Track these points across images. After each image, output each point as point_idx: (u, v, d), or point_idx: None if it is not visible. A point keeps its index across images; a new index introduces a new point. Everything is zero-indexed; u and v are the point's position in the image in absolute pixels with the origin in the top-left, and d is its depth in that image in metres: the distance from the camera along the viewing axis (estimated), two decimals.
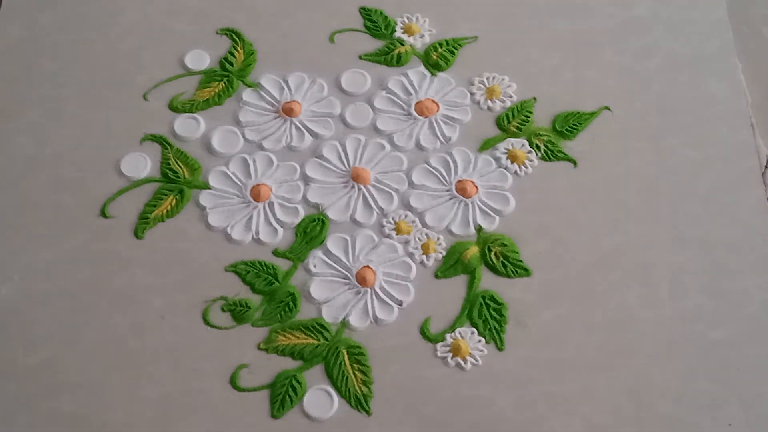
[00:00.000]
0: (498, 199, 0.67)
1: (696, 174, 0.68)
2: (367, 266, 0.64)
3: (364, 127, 0.71)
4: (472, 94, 0.72)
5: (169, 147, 0.69)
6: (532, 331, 0.61)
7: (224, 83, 0.73)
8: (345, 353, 0.61)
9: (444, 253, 0.65)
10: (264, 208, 0.67)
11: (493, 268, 0.64)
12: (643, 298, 0.62)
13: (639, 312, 0.62)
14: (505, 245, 0.65)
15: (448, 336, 0.61)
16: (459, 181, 0.68)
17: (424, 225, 0.66)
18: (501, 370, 0.60)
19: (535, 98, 0.72)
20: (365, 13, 0.77)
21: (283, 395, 0.59)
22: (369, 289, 0.63)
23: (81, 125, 0.70)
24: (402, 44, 0.75)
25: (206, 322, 0.62)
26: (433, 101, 0.72)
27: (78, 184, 0.67)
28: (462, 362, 0.60)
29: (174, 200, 0.67)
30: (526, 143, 0.69)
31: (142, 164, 0.69)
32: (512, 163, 0.69)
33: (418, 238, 0.65)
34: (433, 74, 0.73)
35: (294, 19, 0.76)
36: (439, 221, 0.66)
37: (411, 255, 0.65)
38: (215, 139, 0.70)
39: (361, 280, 0.63)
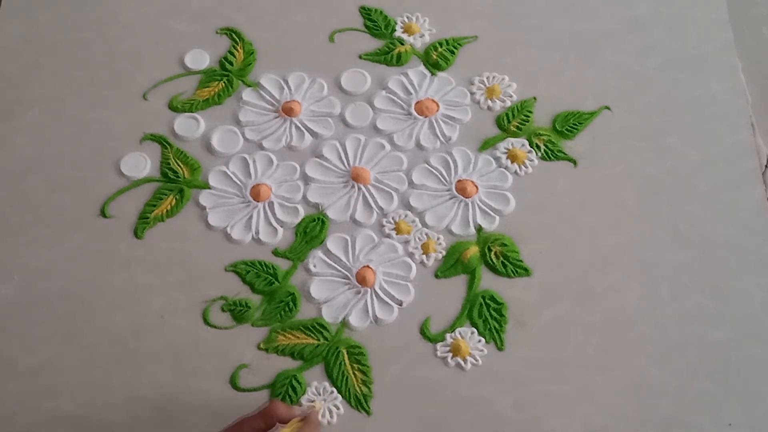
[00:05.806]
0: (498, 198, 0.67)
1: (696, 174, 0.68)
2: (367, 266, 0.64)
3: (364, 127, 0.71)
4: (472, 93, 0.72)
5: (169, 147, 0.69)
6: (532, 331, 0.61)
7: (224, 83, 0.73)
8: (345, 353, 0.61)
9: (444, 252, 0.65)
10: (264, 207, 0.67)
11: (493, 268, 0.64)
12: (643, 298, 0.62)
13: (639, 312, 0.62)
14: (505, 245, 0.65)
15: (448, 336, 0.61)
16: (459, 181, 0.68)
17: (424, 225, 0.66)
18: (501, 370, 0.60)
19: (535, 98, 0.72)
20: (365, 12, 0.77)
21: (283, 395, 0.59)
22: (369, 289, 0.63)
23: (81, 125, 0.70)
24: (402, 44, 0.75)
25: (206, 322, 0.62)
26: (433, 101, 0.72)
27: (78, 184, 0.67)
28: (462, 362, 0.60)
29: (174, 200, 0.67)
30: (526, 143, 0.69)
31: (142, 164, 0.69)
32: (512, 162, 0.69)
33: (418, 238, 0.65)
34: (433, 74, 0.73)
35: (294, 19, 0.76)
36: (439, 221, 0.66)
37: (411, 255, 0.65)
38: (215, 138, 0.70)
39: (361, 279, 0.63)
